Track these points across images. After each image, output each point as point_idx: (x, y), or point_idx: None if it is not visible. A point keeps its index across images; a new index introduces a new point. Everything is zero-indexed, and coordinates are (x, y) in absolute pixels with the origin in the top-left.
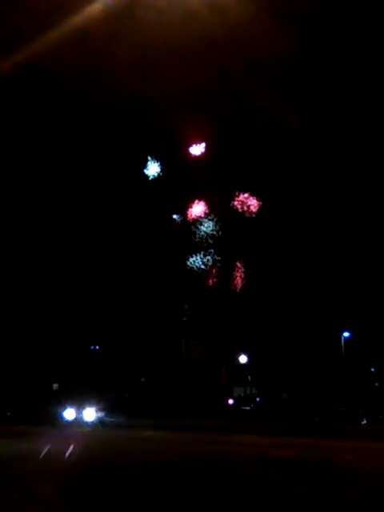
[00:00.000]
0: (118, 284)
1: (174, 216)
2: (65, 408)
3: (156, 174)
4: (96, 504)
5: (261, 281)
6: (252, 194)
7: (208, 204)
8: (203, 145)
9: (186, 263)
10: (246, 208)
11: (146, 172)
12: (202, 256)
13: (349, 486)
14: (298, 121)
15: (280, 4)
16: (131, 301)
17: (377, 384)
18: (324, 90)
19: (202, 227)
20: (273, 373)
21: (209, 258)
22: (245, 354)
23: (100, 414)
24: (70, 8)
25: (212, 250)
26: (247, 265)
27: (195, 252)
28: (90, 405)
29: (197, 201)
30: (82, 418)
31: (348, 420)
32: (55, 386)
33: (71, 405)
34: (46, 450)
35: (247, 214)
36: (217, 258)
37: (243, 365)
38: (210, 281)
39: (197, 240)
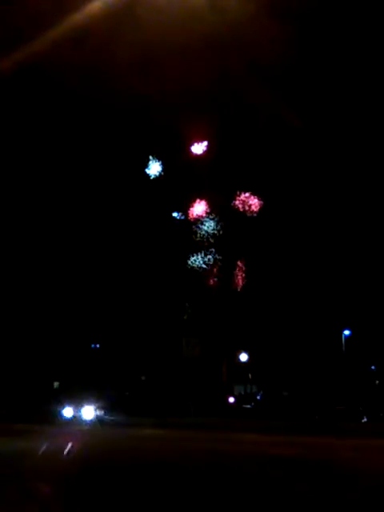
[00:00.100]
0: (119, 283)
1: (174, 214)
2: (64, 406)
3: (157, 174)
4: (94, 503)
5: (261, 279)
6: (253, 194)
7: (209, 203)
8: (205, 143)
9: (186, 262)
10: (247, 207)
11: (148, 171)
12: (202, 255)
13: (348, 484)
14: (299, 120)
15: (280, 3)
16: (132, 299)
17: (377, 382)
18: (325, 89)
19: (203, 226)
20: (273, 371)
21: (210, 257)
22: (245, 352)
23: (99, 413)
24: (70, 7)
25: (213, 250)
26: (248, 263)
27: (196, 251)
28: (89, 403)
29: (198, 200)
30: (80, 416)
31: (348, 418)
32: (56, 384)
33: (71, 403)
34: (44, 448)
35: (248, 214)
36: (217, 257)
37: (244, 363)
38: (211, 280)
39: (198, 239)
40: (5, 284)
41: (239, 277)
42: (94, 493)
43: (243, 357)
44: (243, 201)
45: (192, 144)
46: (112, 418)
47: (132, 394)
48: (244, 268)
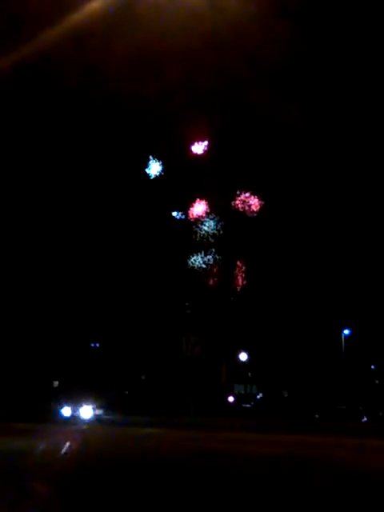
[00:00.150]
0: (119, 282)
1: (174, 213)
2: (63, 405)
3: (157, 174)
4: (91, 502)
5: (261, 279)
6: (253, 194)
7: (209, 203)
8: (205, 143)
9: (186, 262)
10: (247, 207)
11: (148, 171)
12: (202, 255)
13: (347, 483)
14: (300, 120)
15: (281, 2)
16: (132, 299)
17: (377, 381)
18: (326, 88)
19: (204, 226)
20: (273, 370)
21: (209, 257)
22: (245, 351)
23: (98, 412)
24: (69, 6)
25: (213, 250)
26: (248, 263)
27: (196, 251)
28: (88, 402)
29: (198, 200)
30: (79, 415)
31: (348, 417)
32: (55, 383)
33: (69, 402)
34: (42, 447)
35: (248, 214)
36: (217, 257)
37: (243, 362)
38: (211, 280)
39: (198, 239)
40: (5, 283)
41: (239, 277)
42: (91, 493)
43: (243, 356)
44: (243, 201)
45: (192, 144)
46: (110, 417)
47: (132, 393)
48: (244, 268)
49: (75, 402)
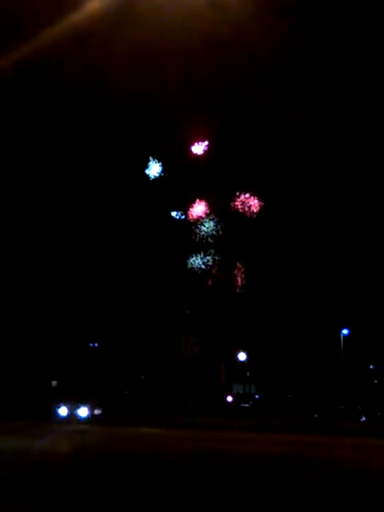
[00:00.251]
0: (118, 282)
1: (173, 213)
2: (60, 405)
3: (157, 175)
4: (87, 501)
5: (260, 279)
6: (253, 195)
7: (209, 204)
8: (205, 143)
9: (186, 263)
10: (246, 208)
11: (148, 172)
12: (202, 256)
13: (346, 483)
14: (301, 119)
15: (280, 1)
16: (131, 299)
17: (376, 381)
18: (326, 87)
19: (203, 227)
20: (272, 370)
21: (209, 258)
22: (244, 351)
23: (97, 411)
24: (69, 5)
25: (212, 250)
26: (247, 263)
27: (195, 252)
28: (85, 402)
29: (198, 200)
30: (76, 414)
31: (347, 417)
32: (54, 383)
33: (67, 402)
34: (40, 446)
35: (248, 215)
36: (216, 258)
37: (242, 362)
38: (210, 281)
39: (197, 240)
40: (4, 283)
41: (238, 277)
42: (87, 492)
43: (242, 356)
44: (243, 201)
45: (192, 144)
46: (109, 416)
47: (131, 392)
48: (243, 268)
49: (72, 402)
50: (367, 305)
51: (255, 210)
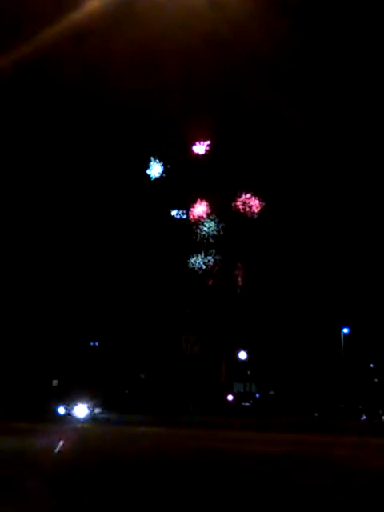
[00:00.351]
0: (119, 281)
1: (174, 212)
2: (60, 404)
3: (158, 175)
4: (87, 501)
5: (261, 278)
6: (254, 195)
7: (210, 204)
8: (207, 143)
9: (187, 262)
10: (247, 208)
11: (149, 172)
12: (203, 256)
13: (346, 482)
14: (301, 119)
15: None
16: (131, 298)
17: (376, 380)
18: (327, 86)
19: (204, 227)
20: (272, 369)
21: (210, 258)
22: (244, 350)
23: (97, 410)
24: (69, 4)
25: (213, 250)
26: (248, 262)
27: (196, 252)
28: (85, 401)
29: (199, 201)
30: (74, 414)
31: (347, 416)
32: (55, 382)
33: (67, 401)
34: (39, 446)
35: (249, 215)
36: (217, 258)
37: (243, 361)
38: (211, 281)
39: (198, 240)
40: (4, 282)
41: (239, 277)
42: (87, 492)
43: (242, 355)
44: (244, 202)
45: (194, 144)
46: (109, 415)
47: (131, 391)
48: (244, 268)
49: (72, 401)
50: (367, 304)
51: (256, 210)
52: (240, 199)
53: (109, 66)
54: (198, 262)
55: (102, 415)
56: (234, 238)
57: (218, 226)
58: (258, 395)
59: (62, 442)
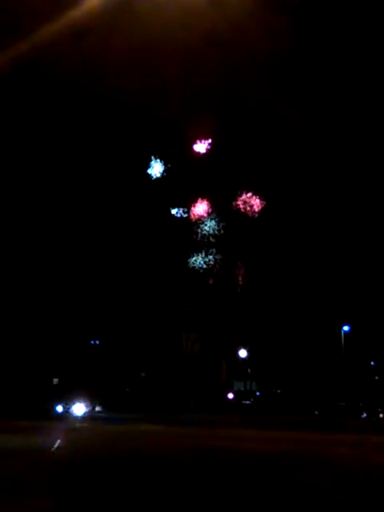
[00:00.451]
0: (120, 280)
1: (174, 211)
2: (61, 402)
3: (159, 174)
4: (86, 500)
5: (261, 276)
6: (255, 194)
7: (211, 203)
8: (208, 141)
9: (187, 261)
10: (248, 208)
11: (150, 172)
12: (203, 255)
13: (345, 480)
14: (301, 117)
15: None
16: (132, 297)
17: (377, 378)
18: (327, 85)
19: (205, 226)
20: (273, 367)
21: (210, 257)
22: (245, 348)
23: (98, 408)
24: (68, 2)
25: (214, 250)
26: (249, 260)
27: (197, 251)
28: (84, 399)
29: (200, 200)
30: (77, 411)
31: (348, 414)
32: (55, 380)
33: (68, 399)
34: (39, 444)
35: (250, 214)
36: (218, 257)
37: (243, 359)
38: (211, 280)
39: (199, 239)
40: (5, 281)
41: (240, 276)
42: (86, 490)
43: (243, 353)
44: (245, 201)
45: (194, 142)
46: (109, 413)
47: (132, 390)
48: (244, 267)
49: (73, 399)
50: (368, 301)
51: (257, 210)
52: (241, 198)
53: (108, 64)
54: (198, 260)
55: (102, 413)
56: (234, 237)
57: (218, 225)
58: (258, 393)
59: (59, 441)
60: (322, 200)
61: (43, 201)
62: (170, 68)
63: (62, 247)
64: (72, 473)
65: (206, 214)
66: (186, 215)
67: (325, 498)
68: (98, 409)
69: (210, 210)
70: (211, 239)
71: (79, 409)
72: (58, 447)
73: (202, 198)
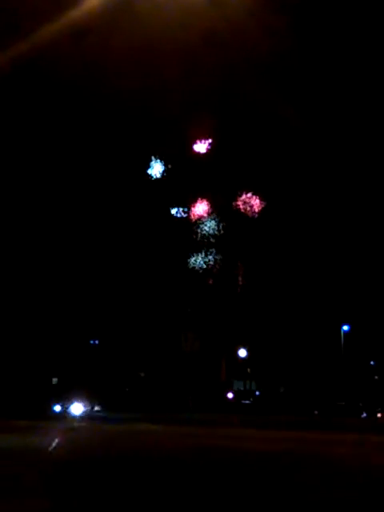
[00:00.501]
0: (119, 280)
1: (174, 211)
2: (60, 402)
3: (159, 174)
4: (84, 500)
5: (261, 276)
6: (255, 194)
7: (211, 203)
8: (208, 141)
9: (187, 261)
10: (248, 208)
11: (150, 172)
12: (203, 256)
13: (345, 480)
14: (298, 117)
15: None
16: (132, 296)
17: (376, 377)
18: (326, 85)
19: (205, 226)
20: (273, 367)
21: (210, 257)
22: (244, 347)
23: (97, 408)
24: (68, 2)
25: (214, 250)
26: (248, 260)
27: (197, 251)
28: (85, 399)
29: (200, 200)
30: (71, 411)
31: (348, 413)
32: (54, 380)
33: (67, 399)
34: (38, 444)
35: (250, 214)
36: (218, 257)
37: (243, 359)
38: (211, 280)
39: (199, 239)
40: (4, 280)
41: (239, 276)
42: (84, 490)
43: (242, 352)
44: (244, 201)
45: (194, 142)
46: (107, 413)
47: (131, 389)
48: (244, 267)
49: (72, 399)
50: (367, 301)
51: (257, 210)
52: (241, 198)
53: (108, 64)
54: (198, 261)
55: (100, 413)
56: (234, 237)
57: (218, 225)
58: (257, 393)
59: (56, 440)
60: (321, 200)
61: (43, 201)
62: (169, 68)
63: (62, 247)
64: (69, 472)
65: (205, 214)
66: (185, 215)
67: (325, 497)
68: (96, 408)
69: (210, 210)
70: (211, 239)
71: (77, 408)
72: (56, 447)
73: (202, 198)
